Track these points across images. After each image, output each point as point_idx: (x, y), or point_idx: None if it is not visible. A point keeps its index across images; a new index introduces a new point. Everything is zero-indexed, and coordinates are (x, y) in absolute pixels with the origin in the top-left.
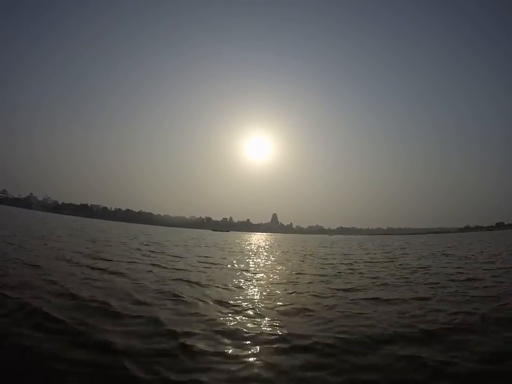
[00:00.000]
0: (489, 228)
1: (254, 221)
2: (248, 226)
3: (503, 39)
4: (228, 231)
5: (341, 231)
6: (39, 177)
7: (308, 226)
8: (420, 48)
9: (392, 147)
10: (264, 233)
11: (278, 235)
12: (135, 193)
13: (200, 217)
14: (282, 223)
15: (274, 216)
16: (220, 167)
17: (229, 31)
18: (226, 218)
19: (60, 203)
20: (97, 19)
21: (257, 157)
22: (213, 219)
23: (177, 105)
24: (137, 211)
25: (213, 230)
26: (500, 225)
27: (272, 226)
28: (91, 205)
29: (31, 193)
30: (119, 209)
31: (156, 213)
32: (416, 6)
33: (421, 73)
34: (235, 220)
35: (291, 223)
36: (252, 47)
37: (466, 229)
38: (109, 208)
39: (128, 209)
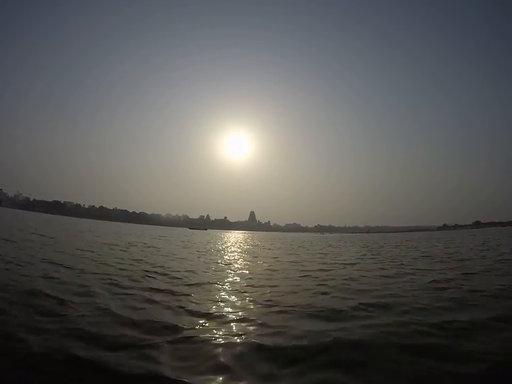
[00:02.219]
0: (467, 227)
1: (231, 219)
2: (225, 225)
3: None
4: (206, 229)
5: (319, 229)
6: (11, 173)
7: (286, 224)
8: (402, 47)
9: (374, 147)
10: (242, 231)
11: (256, 233)
12: (111, 190)
13: (176, 215)
14: (260, 221)
15: (252, 214)
16: (197, 164)
17: (209, 29)
18: (203, 216)
19: (32, 200)
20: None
21: (236, 155)
22: (190, 217)
23: (156, 103)
24: (111, 208)
25: (190, 228)
26: (477, 224)
27: (250, 224)
28: (64, 202)
29: (1, 189)
30: (93, 206)
31: (131, 210)
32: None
33: (403, 72)
34: (212, 218)
35: (269, 221)
36: (232, 44)
37: (445, 227)
38: (82, 205)
39: (102, 207)
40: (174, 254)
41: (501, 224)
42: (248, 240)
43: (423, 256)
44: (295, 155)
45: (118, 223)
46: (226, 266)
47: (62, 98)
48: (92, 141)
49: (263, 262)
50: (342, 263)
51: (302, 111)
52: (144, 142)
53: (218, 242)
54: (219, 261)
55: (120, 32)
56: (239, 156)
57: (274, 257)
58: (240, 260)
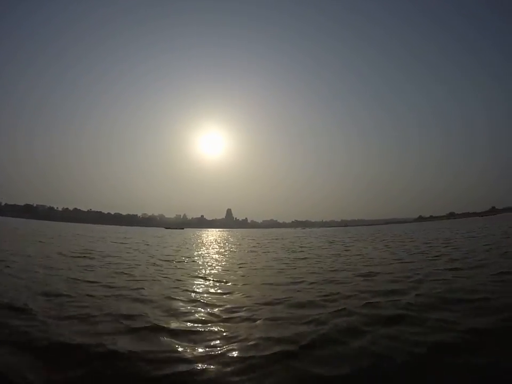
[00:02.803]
0: (442, 218)
1: (208, 217)
2: (202, 223)
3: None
4: (183, 229)
5: (296, 224)
6: None
7: (263, 221)
8: (369, 40)
9: (349, 142)
10: (219, 229)
11: (234, 230)
12: (86, 191)
13: (152, 214)
14: (237, 218)
15: (229, 212)
16: (173, 163)
17: (187, 25)
18: (180, 215)
19: (3, 204)
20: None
21: (212, 153)
22: (166, 216)
23: (130, 102)
24: (86, 210)
25: (166, 228)
26: (452, 215)
27: (227, 221)
28: (36, 205)
29: None
30: (67, 208)
31: (106, 212)
32: None
33: (374, 66)
34: (189, 216)
35: (246, 218)
36: (207, 43)
37: (420, 218)
38: (55, 208)
39: (76, 209)
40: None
41: (479, 214)
42: (229, 239)
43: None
44: (270, 152)
45: (91, 225)
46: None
47: (37, 101)
48: (68, 142)
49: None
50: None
51: (276, 108)
52: (119, 142)
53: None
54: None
55: (93, 34)
56: (215, 154)
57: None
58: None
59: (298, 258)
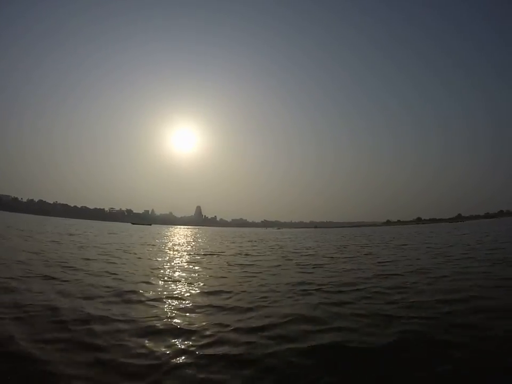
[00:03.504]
0: (410, 222)
1: (177, 213)
2: (171, 220)
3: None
4: (150, 225)
5: (265, 224)
6: None
7: (232, 220)
8: (340, 38)
9: (320, 145)
10: (188, 227)
11: (203, 228)
12: (53, 183)
13: (120, 209)
14: (207, 216)
15: (198, 209)
16: (142, 156)
17: (161, 21)
18: (148, 211)
19: None
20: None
21: (183, 150)
22: (134, 211)
23: (100, 96)
24: (51, 202)
25: (133, 224)
26: (419, 220)
27: (196, 219)
28: (0, 195)
29: None
30: (32, 200)
31: (72, 205)
32: None
33: (347, 66)
34: (157, 212)
35: (215, 216)
36: (185, 39)
37: (388, 223)
38: (20, 199)
39: (41, 200)
40: None
41: (446, 220)
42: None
43: None
44: (242, 152)
45: (54, 218)
46: None
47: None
48: (39, 133)
49: None
50: None
51: (251, 109)
52: (89, 134)
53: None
54: None
55: (61, 28)
56: (187, 150)
57: None
58: None
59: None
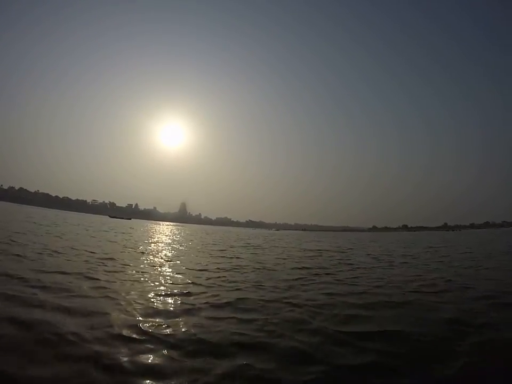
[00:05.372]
0: (397, 229)
1: (162, 209)
2: (154, 215)
3: None
4: (130, 219)
5: (250, 224)
6: None
7: (217, 218)
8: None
9: (305, 146)
10: (171, 223)
11: (188, 226)
12: (36, 171)
13: (103, 202)
14: (191, 213)
15: (183, 206)
16: (128, 149)
17: (150, 12)
18: (132, 205)
19: None
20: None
21: (170, 144)
22: (117, 205)
23: (89, 85)
24: (33, 191)
25: (111, 217)
26: (405, 227)
27: (180, 216)
28: None
29: None
30: (12, 187)
31: (54, 194)
32: None
33: (332, 66)
34: (141, 207)
35: (200, 214)
36: (175, 32)
37: (375, 228)
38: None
39: (22, 188)
40: None
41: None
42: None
43: None
44: (227, 149)
45: (34, 207)
46: None
47: None
48: (23, 119)
49: None
50: None
51: (237, 107)
52: (75, 123)
53: None
54: None
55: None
56: (174, 146)
57: None
58: None
59: None
